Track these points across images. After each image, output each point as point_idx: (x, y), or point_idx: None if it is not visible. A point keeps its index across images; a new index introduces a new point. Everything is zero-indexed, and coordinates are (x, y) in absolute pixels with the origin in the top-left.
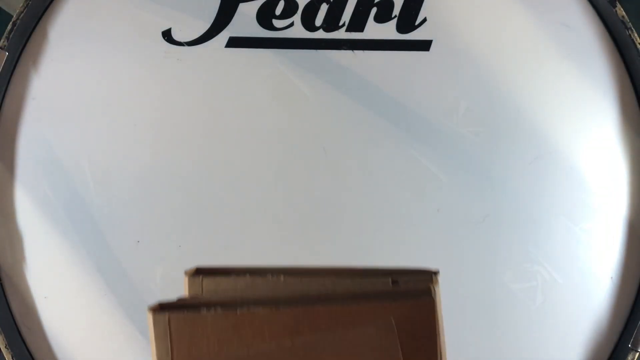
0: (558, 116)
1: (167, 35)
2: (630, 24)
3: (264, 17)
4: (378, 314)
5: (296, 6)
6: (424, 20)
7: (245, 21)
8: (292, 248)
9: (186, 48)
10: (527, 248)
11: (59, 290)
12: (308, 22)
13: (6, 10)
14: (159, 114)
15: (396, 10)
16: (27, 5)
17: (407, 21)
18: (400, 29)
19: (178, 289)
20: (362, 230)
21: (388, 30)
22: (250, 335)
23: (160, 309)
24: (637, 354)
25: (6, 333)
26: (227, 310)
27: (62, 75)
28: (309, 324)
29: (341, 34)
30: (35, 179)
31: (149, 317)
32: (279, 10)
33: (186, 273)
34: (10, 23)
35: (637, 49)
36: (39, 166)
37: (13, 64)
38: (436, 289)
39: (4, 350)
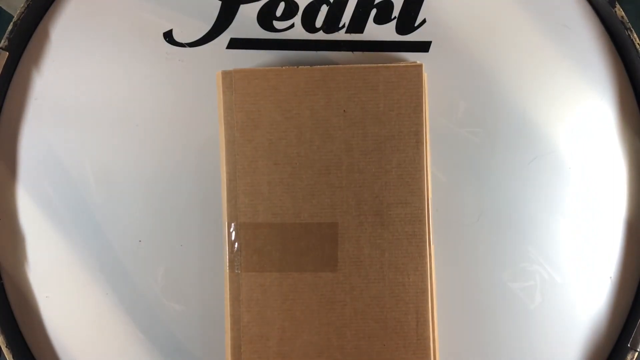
0: (557, 116)
1: (168, 36)
2: (629, 24)
3: (265, 18)
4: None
5: (296, 7)
6: (424, 21)
7: (246, 22)
8: None
9: (187, 49)
10: (526, 247)
11: (61, 290)
12: (308, 24)
13: (7, 10)
14: (160, 115)
15: (396, 12)
16: (28, 5)
17: (407, 22)
18: (400, 30)
19: (180, 288)
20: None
21: (388, 32)
22: (293, 89)
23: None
24: (637, 353)
25: (7, 332)
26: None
27: (63, 76)
28: (334, 81)
29: (341, 35)
30: (37, 179)
31: (218, 77)
32: (279, 11)
33: (217, 74)
34: (11, 23)
35: (636, 49)
36: (40, 166)
37: (14, 64)
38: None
39: (4, 350)
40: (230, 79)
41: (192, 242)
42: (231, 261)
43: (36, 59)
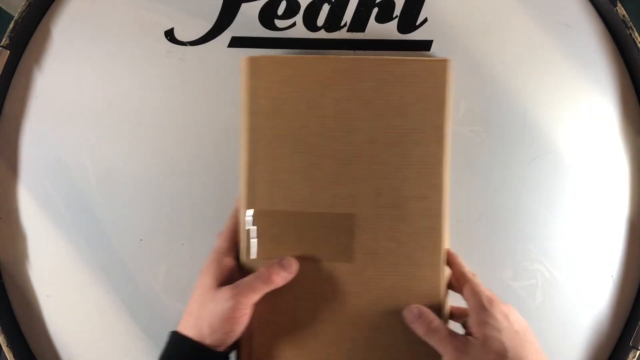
0: (558, 115)
1: (169, 34)
2: (630, 23)
3: (266, 17)
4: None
5: (298, 6)
6: (425, 20)
7: (247, 21)
8: None
9: (189, 47)
10: (527, 246)
11: (62, 289)
12: (310, 22)
13: (6, 10)
14: (161, 113)
15: (397, 11)
16: (29, 3)
17: (408, 21)
18: (401, 29)
19: (181, 286)
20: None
21: (389, 31)
22: (319, 77)
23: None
24: (638, 352)
25: (7, 332)
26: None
27: (64, 74)
28: (361, 72)
29: (343, 34)
30: (38, 178)
31: (243, 62)
32: (281, 10)
33: (242, 60)
34: (13, 22)
35: (637, 48)
36: (41, 165)
37: (15, 62)
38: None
39: (5, 349)
40: (256, 65)
41: (193, 241)
42: (247, 248)
43: (37, 58)
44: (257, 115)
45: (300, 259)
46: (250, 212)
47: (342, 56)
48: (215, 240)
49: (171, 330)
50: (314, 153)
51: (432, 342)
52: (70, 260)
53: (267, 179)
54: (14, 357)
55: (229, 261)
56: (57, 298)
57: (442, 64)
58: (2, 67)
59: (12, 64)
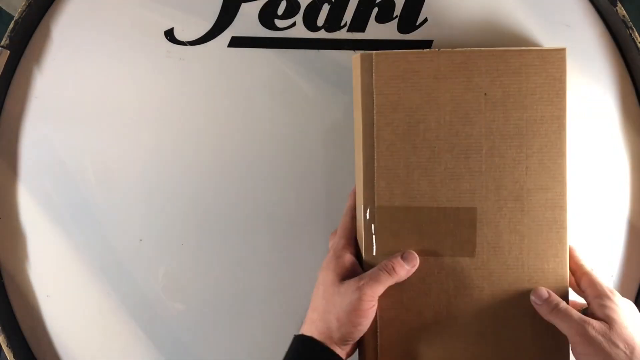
0: None
1: (169, 34)
2: (630, 23)
3: (266, 17)
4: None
5: (298, 6)
6: (425, 20)
7: (247, 21)
8: (293, 243)
9: (188, 47)
10: None
11: (61, 289)
12: (310, 22)
13: (6, 10)
14: (161, 113)
15: (397, 11)
16: (29, 3)
17: (408, 21)
18: (401, 29)
19: (181, 287)
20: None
21: (389, 31)
22: (434, 72)
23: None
24: None
25: (7, 332)
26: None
27: (64, 74)
28: (476, 65)
29: (343, 34)
30: (38, 178)
31: (356, 60)
32: (281, 10)
33: (355, 57)
34: (13, 21)
35: (637, 48)
36: (41, 165)
37: (15, 62)
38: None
39: (5, 349)
40: (370, 61)
41: (193, 241)
42: (368, 244)
43: (37, 57)
44: (372, 112)
45: (422, 254)
46: (368, 209)
47: (456, 49)
48: (214, 241)
49: (171, 329)
50: (431, 147)
51: (558, 321)
52: (70, 261)
53: (384, 174)
54: (14, 357)
55: (348, 257)
56: (57, 298)
57: (560, 52)
58: (2, 67)
59: (12, 64)
